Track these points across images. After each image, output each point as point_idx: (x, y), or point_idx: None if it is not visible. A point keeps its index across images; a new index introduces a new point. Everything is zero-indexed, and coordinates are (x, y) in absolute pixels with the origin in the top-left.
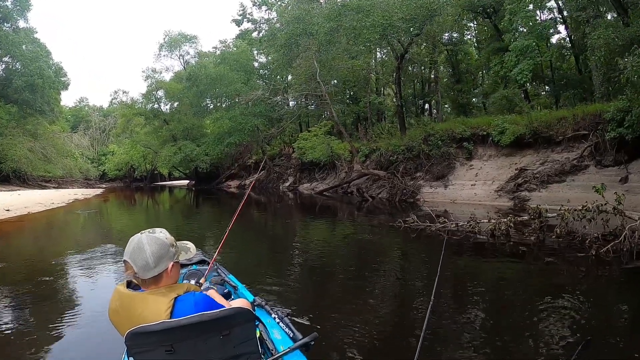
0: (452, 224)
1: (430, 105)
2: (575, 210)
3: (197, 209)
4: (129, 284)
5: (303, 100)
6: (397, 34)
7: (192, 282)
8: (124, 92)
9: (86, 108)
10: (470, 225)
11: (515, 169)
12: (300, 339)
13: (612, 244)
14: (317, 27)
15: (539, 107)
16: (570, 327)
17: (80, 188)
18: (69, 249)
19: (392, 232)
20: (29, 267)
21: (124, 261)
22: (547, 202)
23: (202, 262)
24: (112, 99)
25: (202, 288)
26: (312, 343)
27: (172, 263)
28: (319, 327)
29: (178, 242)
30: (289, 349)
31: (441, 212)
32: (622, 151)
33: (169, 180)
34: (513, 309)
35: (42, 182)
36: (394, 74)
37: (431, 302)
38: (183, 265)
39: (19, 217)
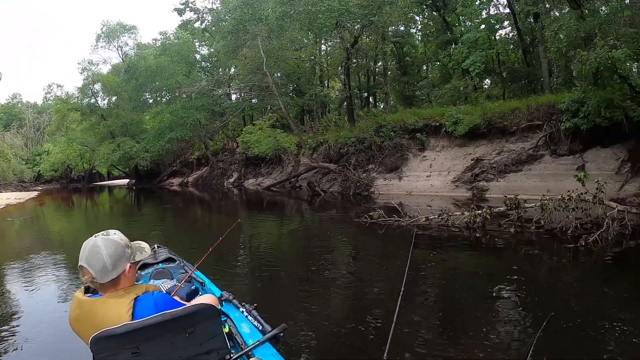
0: (422, 217)
1: (375, 98)
2: (555, 199)
3: (139, 209)
4: (87, 290)
5: (247, 92)
6: (353, 20)
7: (160, 281)
8: (59, 86)
9: (19, 105)
10: (442, 218)
11: (471, 160)
12: (269, 331)
13: (597, 233)
14: (269, 12)
15: (486, 99)
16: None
17: (14, 191)
18: (2, 260)
19: (358, 228)
20: None
21: (80, 266)
22: (505, 192)
23: (168, 259)
24: (46, 94)
25: (168, 287)
26: (282, 334)
27: (129, 264)
28: (287, 319)
29: (132, 243)
30: (258, 342)
31: (397, 204)
32: (577, 141)
33: (108, 180)
34: (490, 299)
35: None
36: (342, 64)
37: (401, 293)
38: (149, 265)
39: None
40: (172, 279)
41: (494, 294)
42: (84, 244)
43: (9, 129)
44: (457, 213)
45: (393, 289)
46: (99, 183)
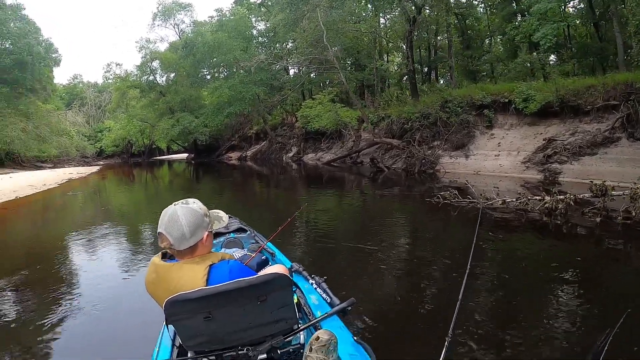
0: (499, 199)
1: (436, 73)
2: None
3: (198, 182)
4: (164, 256)
5: (307, 66)
6: None
7: (231, 250)
8: (118, 64)
9: (80, 85)
10: (521, 202)
11: (543, 140)
12: (337, 305)
13: None
14: None
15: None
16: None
17: (77, 166)
18: (64, 233)
19: (426, 207)
20: (20, 256)
21: (159, 233)
22: (579, 176)
23: (239, 230)
24: (105, 72)
25: (239, 256)
26: (350, 308)
27: (206, 232)
28: (355, 293)
29: (210, 212)
30: (326, 314)
31: (466, 184)
32: None
33: (168, 155)
34: (565, 290)
35: (37, 163)
36: (405, 36)
37: (467, 273)
38: (221, 234)
39: (3, 203)
40: (243, 248)
41: (570, 285)
42: (163, 211)
43: (71, 108)
44: (537, 197)
45: (459, 270)
46: (159, 157)
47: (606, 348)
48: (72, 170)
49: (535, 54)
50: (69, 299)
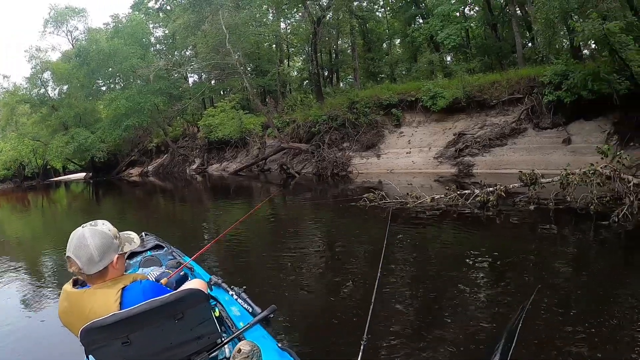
0: (427, 197)
1: (337, 76)
2: (578, 174)
3: (98, 203)
4: (75, 283)
5: (208, 73)
6: None
7: (149, 269)
8: (5, 76)
9: None
10: (451, 197)
11: (453, 135)
12: (259, 313)
13: (626, 208)
14: None
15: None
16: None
17: None
18: None
19: (344, 210)
20: None
21: (67, 257)
22: (492, 167)
23: (156, 247)
24: None
25: (157, 274)
26: (272, 316)
27: (117, 255)
28: (275, 301)
29: (121, 233)
30: (248, 325)
31: (376, 183)
32: (560, 114)
33: (64, 175)
34: (504, 278)
35: None
36: (310, 40)
37: (379, 274)
38: (138, 253)
39: None
40: (161, 266)
41: (510, 273)
42: (71, 234)
43: None
44: (466, 191)
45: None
46: (55, 179)
47: (520, 325)
48: None
49: (436, 54)
50: None
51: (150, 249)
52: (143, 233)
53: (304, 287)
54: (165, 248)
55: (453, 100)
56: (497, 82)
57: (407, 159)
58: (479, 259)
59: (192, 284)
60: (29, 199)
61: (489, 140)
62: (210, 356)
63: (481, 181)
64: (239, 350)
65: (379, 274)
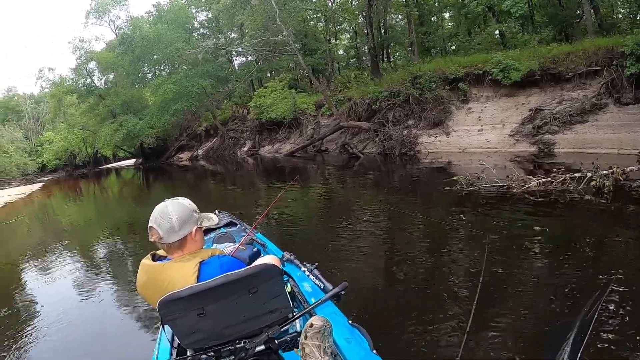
0: (534, 181)
1: (388, 52)
2: None
3: (149, 189)
4: (153, 257)
5: (258, 51)
6: None
7: (222, 245)
8: (50, 69)
9: (16, 98)
10: (561, 181)
11: (529, 110)
12: (330, 290)
13: None
14: None
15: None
16: None
17: (18, 186)
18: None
19: (429, 190)
20: None
21: (149, 227)
22: (575, 146)
23: (230, 224)
24: (37, 79)
25: (230, 250)
26: (343, 293)
27: (195, 227)
28: (348, 278)
29: (201, 213)
30: (320, 301)
31: (445, 163)
32: None
33: (115, 162)
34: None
35: None
36: (364, 12)
37: (484, 263)
38: (211, 230)
39: None
40: (234, 242)
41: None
42: (155, 208)
43: (6, 123)
44: (576, 174)
45: (467, 254)
46: (105, 166)
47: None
48: (10, 192)
49: (503, 24)
50: (37, 333)
51: (223, 226)
52: (216, 210)
53: (377, 265)
54: (239, 225)
55: (527, 73)
56: (572, 53)
57: (480, 136)
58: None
59: (266, 259)
60: (81, 186)
61: (569, 116)
62: (281, 330)
63: (537, 160)
64: (311, 325)
65: (483, 266)
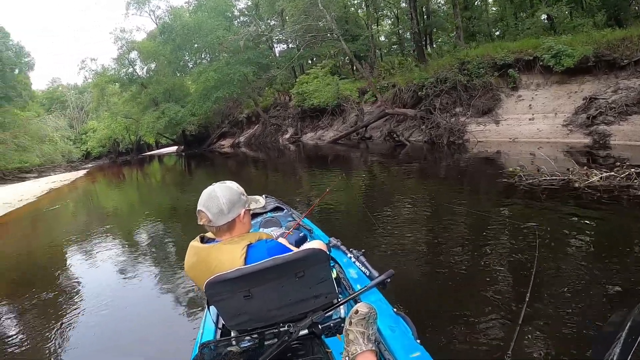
0: (596, 175)
1: (430, 38)
2: None
3: (191, 175)
4: (202, 239)
5: (300, 37)
6: None
7: (269, 229)
8: (93, 59)
9: (60, 88)
10: (625, 176)
11: (583, 99)
12: (376, 277)
13: None
14: None
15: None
16: None
17: (63, 173)
18: (47, 253)
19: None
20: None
21: (198, 211)
22: (632, 138)
23: (276, 209)
24: (80, 69)
25: (277, 234)
26: (388, 281)
27: (244, 210)
28: (394, 266)
29: (248, 196)
30: (365, 287)
31: (494, 153)
32: None
33: (157, 149)
34: None
35: (21, 174)
36: None
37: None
38: (258, 214)
39: None
40: (281, 227)
41: None
42: (202, 192)
43: (51, 113)
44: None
45: (518, 253)
46: (148, 153)
47: None
48: (55, 179)
49: (553, 7)
50: (89, 312)
51: (270, 211)
52: (264, 195)
53: (425, 255)
54: (285, 210)
55: (580, 60)
56: (627, 38)
57: (531, 126)
58: None
59: (314, 244)
60: (124, 173)
61: (625, 106)
62: (325, 315)
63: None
64: (356, 312)
65: (535, 262)
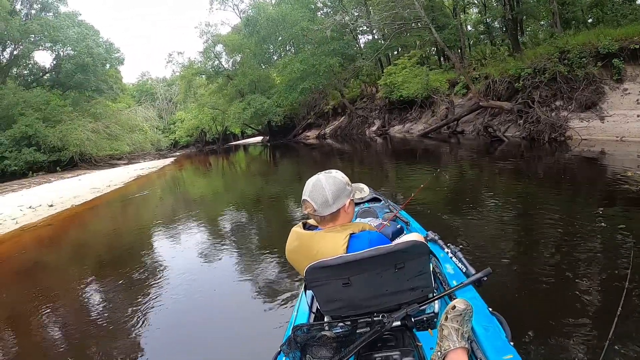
0: None
1: (521, 26)
2: None
3: (275, 165)
4: (304, 226)
5: (387, 28)
6: None
7: (366, 219)
8: (179, 53)
9: (149, 81)
10: None
11: None
12: (473, 274)
13: None
14: None
15: None
16: None
17: (152, 160)
18: (131, 242)
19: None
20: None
21: (303, 200)
22: None
23: (374, 199)
24: (167, 62)
25: (375, 225)
26: (485, 279)
27: (348, 200)
28: (492, 264)
29: (352, 184)
30: (461, 284)
31: (598, 153)
32: None
33: (243, 139)
34: None
35: (112, 161)
36: None
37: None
38: (355, 204)
39: (56, 215)
40: (377, 217)
41: None
42: (307, 181)
43: (140, 104)
44: None
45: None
46: (234, 143)
47: None
48: (144, 165)
49: None
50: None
51: (367, 201)
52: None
53: (525, 255)
54: (382, 201)
55: None
56: None
57: None
58: None
59: (414, 236)
60: (210, 161)
61: None
62: (420, 308)
63: None
64: (454, 307)
65: (629, 272)
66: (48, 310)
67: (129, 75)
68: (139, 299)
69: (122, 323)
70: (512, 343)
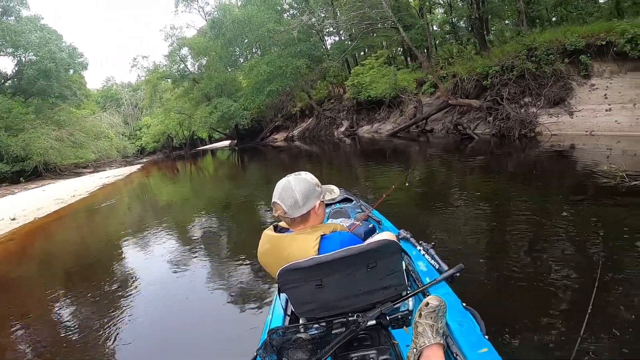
0: None
1: (487, 25)
2: None
3: (244, 169)
4: (275, 228)
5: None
6: None
7: (338, 220)
8: (144, 57)
9: (114, 87)
10: None
11: None
12: (446, 271)
13: None
14: None
15: None
16: None
17: (118, 167)
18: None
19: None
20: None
21: (273, 203)
22: None
23: (345, 200)
24: (132, 67)
25: (347, 225)
26: (458, 274)
27: (318, 201)
28: (464, 260)
29: (322, 185)
30: (434, 281)
31: (568, 147)
32: None
33: (210, 144)
34: None
35: (77, 170)
36: None
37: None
38: (327, 205)
39: (16, 230)
40: (350, 217)
41: None
42: (277, 183)
43: (105, 110)
44: None
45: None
46: (201, 148)
47: None
48: (110, 174)
49: None
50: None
51: (339, 202)
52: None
53: (496, 250)
54: (354, 201)
55: None
56: None
57: (608, 117)
58: None
59: (385, 235)
60: (178, 167)
61: None
62: (394, 306)
63: None
64: (427, 304)
65: (600, 265)
66: (16, 328)
67: (93, 80)
68: (111, 311)
69: (96, 336)
70: (486, 337)
